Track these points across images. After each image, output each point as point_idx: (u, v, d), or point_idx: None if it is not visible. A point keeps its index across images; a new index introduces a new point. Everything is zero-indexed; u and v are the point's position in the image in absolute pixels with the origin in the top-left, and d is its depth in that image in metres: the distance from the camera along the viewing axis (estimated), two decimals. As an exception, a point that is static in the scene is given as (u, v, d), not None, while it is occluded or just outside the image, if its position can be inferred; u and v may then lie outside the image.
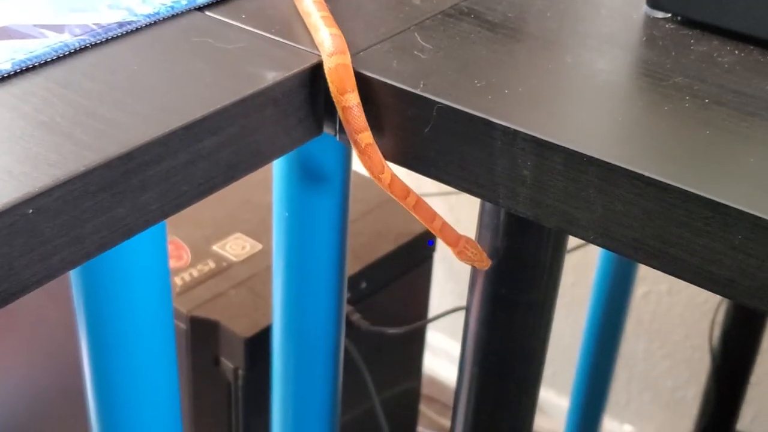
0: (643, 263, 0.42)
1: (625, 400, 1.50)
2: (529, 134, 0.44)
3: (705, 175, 0.41)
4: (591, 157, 0.42)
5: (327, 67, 0.48)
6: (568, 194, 0.44)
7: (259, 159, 0.49)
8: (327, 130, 0.52)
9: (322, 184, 0.64)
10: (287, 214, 0.66)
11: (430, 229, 0.55)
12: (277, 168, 0.65)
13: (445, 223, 0.54)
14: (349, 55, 0.48)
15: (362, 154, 0.49)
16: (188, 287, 0.88)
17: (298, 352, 0.74)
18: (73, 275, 0.52)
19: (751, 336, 1.16)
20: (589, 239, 0.44)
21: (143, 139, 0.42)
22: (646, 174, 0.41)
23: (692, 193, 0.40)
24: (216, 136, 0.45)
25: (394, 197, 0.53)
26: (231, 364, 0.86)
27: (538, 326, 0.59)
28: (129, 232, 0.43)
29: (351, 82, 0.48)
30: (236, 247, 0.95)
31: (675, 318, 1.37)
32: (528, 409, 0.62)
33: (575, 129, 0.45)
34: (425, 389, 1.60)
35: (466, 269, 0.60)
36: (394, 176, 0.52)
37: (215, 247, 0.95)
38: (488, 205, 0.57)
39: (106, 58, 0.48)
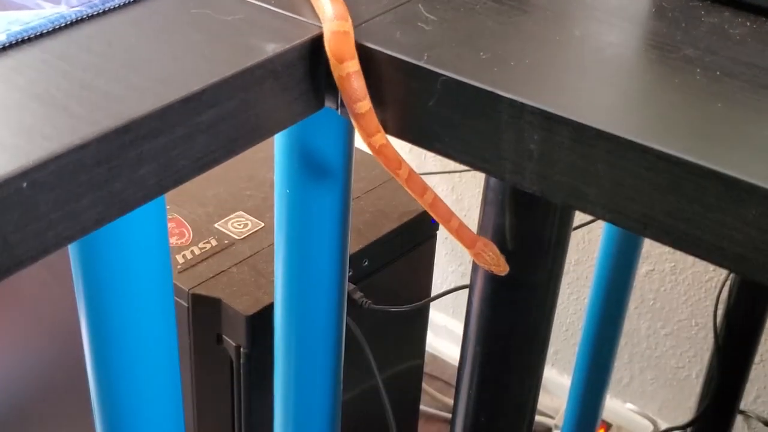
0: (653, 239, 0.41)
1: (628, 379, 1.49)
2: (537, 107, 0.43)
3: (717, 149, 0.40)
4: (599, 131, 0.41)
5: (326, 34, 0.47)
6: (576, 169, 0.43)
7: (259, 133, 0.48)
8: (328, 104, 0.50)
9: (324, 161, 0.63)
10: (288, 191, 0.65)
11: (446, 229, 0.53)
12: (278, 143, 0.63)
13: (461, 224, 0.53)
14: (350, 22, 0.47)
15: (362, 130, 0.48)
16: (190, 265, 0.88)
17: (300, 330, 0.73)
18: (72, 250, 0.51)
19: (756, 315, 1.15)
20: (598, 215, 0.43)
21: (140, 111, 0.41)
22: (656, 147, 0.40)
23: (704, 167, 0.39)
24: (215, 110, 0.44)
25: (411, 192, 0.52)
26: (233, 341, 0.86)
27: (543, 306, 0.58)
28: (126, 207, 0.42)
29: (351, 49, 0.47)
30: (238, 225, 0.94)
31: (679, 296, 1.37)
32: (531, 389, 0.62)
33: (583, 102, 0.44)
34: (428, 367, 1.60)
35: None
36: (411, 171, 0.51)
37: (217, 225, 0.94)
38: (493, 181, 0.56)
39: (103, 30, 0.47)
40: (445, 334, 1.63)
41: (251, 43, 0.46)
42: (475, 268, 0.60)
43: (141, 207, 0.43)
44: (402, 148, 0.50)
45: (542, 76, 0.46)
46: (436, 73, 0.46)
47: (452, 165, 1.58)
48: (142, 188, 0.42)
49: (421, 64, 0.46)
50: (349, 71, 0.47)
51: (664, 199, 0.40)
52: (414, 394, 1.16)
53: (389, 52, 0.47)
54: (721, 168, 0.38)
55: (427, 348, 1.59)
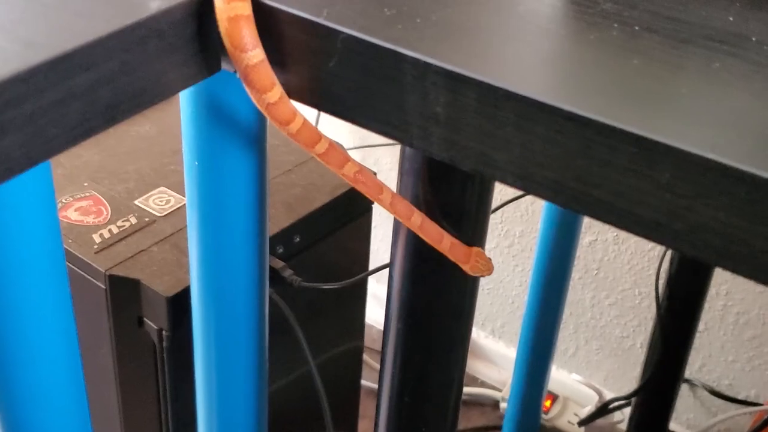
0: (563, 207, 0.38)
1: (573, 350, 1.48)
2: (441, 67, 0.40)
3: (631, 108, 0.37)
4: (507, 91, 0.38)
5: (220, 18, 0.43)
6: (484, 133, 0.40)
7: (144, 99, 0.44)
8: (226, 66, 0.47)
9: (234, 127, 0.59)
10: (197, 163, 0.61)
11: (439, 250, 0.52)
12: (183, 110, 0.59)
13: (454, 242, 0.52)
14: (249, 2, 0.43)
15: (355, 183, 0.49)
16: (107, 244, 0.83)
17: (219, 312, 0.69)
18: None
19: (698, 283, 1.14)
20: (508, 182, 0.40)
21: (1, 75, 0.37)
22: (565, 108, 0.37)
23: (615, 127, 0.36)
24: (90, 73, 0.40)
25: (396, 216, 0.52)
26: (155, 324, 0.82)
27: (465, 279, 0.55)
28: (-14, 182, 0.38)
29: (253, 37, 0.43)
30: (160, 201, 0.90)
31: (622, 266, 1.35)
32: (458, 364, 0.59)
33: (492, 61, 0.41)
34: (374, 343, 1.57)
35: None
36: (395, 195, 0.50)
37: (137, 202, 0.89)
38: (408, 149, 0.52)
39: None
40: (391, 309, 1.61)
41: None
42: (394, 243, 0.57)
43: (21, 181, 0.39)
44: (304, 111, 0.47)
45: (449, 33, 0.42)
46: (337, 31, 0.42)
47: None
48: (6, 161, 0.38)
49: (321, 20, 0.42)
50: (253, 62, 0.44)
51: (575, 163, 0.37)
52: (354, 373, 1.13)
53: (286, 9, 0.43)
54: (633, 128, 0.35)
55: (372, 322, 1.56)
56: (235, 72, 0.46)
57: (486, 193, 0.52)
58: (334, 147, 0.49)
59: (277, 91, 0.45)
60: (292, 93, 0.45)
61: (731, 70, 0.40)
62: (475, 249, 0.53)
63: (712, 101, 0.38)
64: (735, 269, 0.35)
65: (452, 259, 0.52)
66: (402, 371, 0.59)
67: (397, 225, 0.56)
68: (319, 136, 0.47)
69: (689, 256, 0.35)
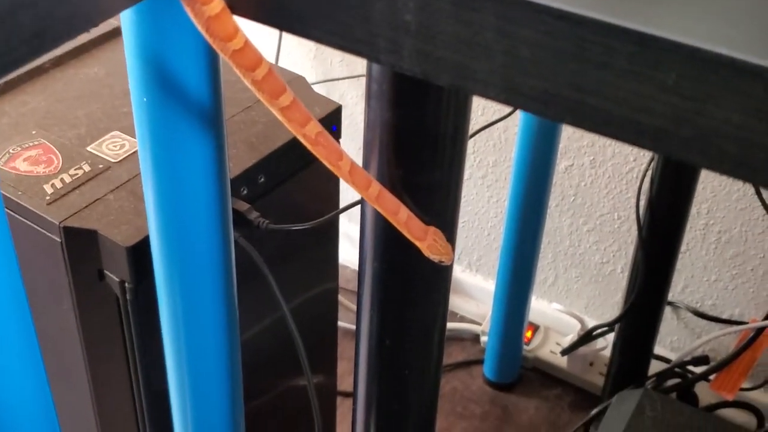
0: (555, 120, 0.34)
1: (552, 279, 1.46)
2: (409, -33, 0.35)
3: (630, 2, 0.32)
4: (485, -10, 0.33)
5: None
6: (461, 41, 0.35)
7: (75, 24, 0.38)
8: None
9: (183, 57, 0.53)
10: (145, 99, 0.56)
11: (394, 223, 0.49)
12: (126, 41, 0.54)
13: (411, 216, 0.48)
14: None
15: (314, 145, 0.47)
16: (60, 195, 0.78)
17: (182, 260, 0.65)
18: None
19: (679, 203, 1.11)
20: (491, 95, 0.36)
21: None
22: (554, 5, 0.32)
23: (612, 24, 0.31)
24: (5, -5, 0.35)
25: (353, 187, 0.48)
26: (116, 276, 0.77)
27: (444, 211, 0.51)
28: None
29: None
30: (114, 146, 0.84)
31: (600, 190, 1.32)
32: (439, 304, 0.55)
33: (466, -42, 0.36)
34: (349, 284, 1.54)
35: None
36: (353, 164, 0.46)
37: (90, 148, 0.84)
38: (375, 69, 0.48)
39: None
40: (365, 248, 1.57)
41: None
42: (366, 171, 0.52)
43: None
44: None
45: (416, -70, 0.37)
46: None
47: (360, 69, 1.49)
48: None
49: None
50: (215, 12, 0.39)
51: (567, 68, 0.33)
52: (330, 315, 1.09)
53: None
54: (633, 24, 0.31)
55: (345, 263, 1.53)
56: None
57: (463, 113, 0.48)
58: (299, 102, 0.45)
59: (241, 37, 0.41)
60: (243, 9, 0.40)
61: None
62: (433, 228, 0.50)
63: (718, -9, 0.33)
64: (754, 178, 0.31)
65: (408, 235, 0.49)
66: (381, 313, 0.55)
67: (367, 158, 0.52)
68: (284, 88, 0.44)
69: (700, 166, 0.31)
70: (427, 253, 0.49)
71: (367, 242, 0.53)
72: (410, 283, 0.54)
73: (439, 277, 0.54)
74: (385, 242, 0.53)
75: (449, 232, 0.53)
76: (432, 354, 0.57)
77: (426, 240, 0.49)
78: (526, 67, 0.34)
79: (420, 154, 0.48)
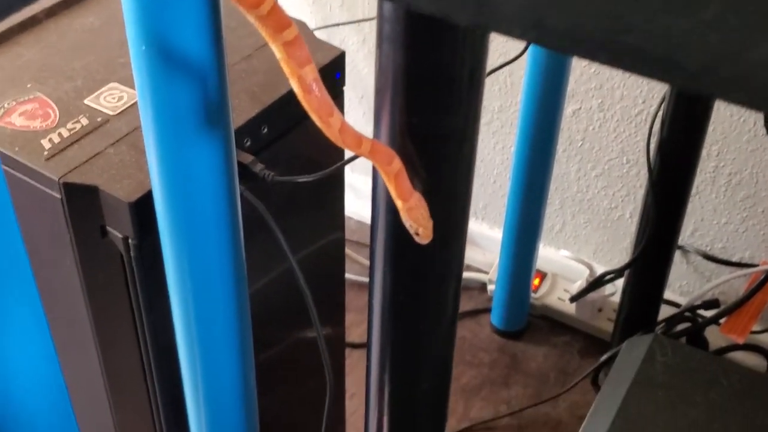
0: (587, 58, 0.32)
1: (560, 225, 1.44)
2: None
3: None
4: None
5: None
6: (483, -25, 0.33)
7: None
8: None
9: (183, 3, 0.51)
10: (144, 47, 0.53)
11: (383, 175, 0.47)
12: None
13: (402, 170, 0.46)
14: None
15: (307, 92, 0.44)
16: (58, 150, 0.76)
17: (187, 215, 0.63)
18: None
19: (690, 144, 1.09)
20: (515, 34, 0.33)
21: None
22: (587, -67, 0.29)
23: (651, -49, 0.29)
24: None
25: (343, 146, 0.47)
26: (119, 233, 0.75)
27: (460, 160, 0.49)
28: None
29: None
30: (112, 98, 0.82)
31: (608, 134, 1.30)
32: (456, 253, 0.53)
33: None
34: (354, 235, 1.52)
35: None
36: (344, 122, 0.45)
37: (87, 101, 0.81)
38: (387, 8, 0.45)
39: None
40: (369, 198, 1.55)
41: None
42: (377, 122, 0.50)
43: None
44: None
45: None
46: None
47: (361, 13, 1.45)
48: None
49: None
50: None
51: (600, 2, 0.30)
52: (337, 267, 1.08)
53: None
54: (675, -49, 0.28)
55: (351, 215, 1.51)
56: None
57: (481, 54, 0.45)
58: (302, 40, 0.43)
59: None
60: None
61: None
62: (420, 194, 0.48)
63: None
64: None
65: (394, 191, 0.46)
66: (395, 268, 0.53)
67: (379, 107, 0.49)
68: (290, 22, 0.42)
69: (744, 106, 0.29)
70: (405, 216, 0.47)
71: (379, 193, 0.51)
72: (425, 234, 0.52)
73: (456, 227, 0.52)
74: (399, 192, 0.51)
75: (465, 181, 0.51)
76: (447, 306, 0.55)
77: (409, 201, 0.46)
78: (554, 0, 0.31)
79: (436, 100, 0.46)
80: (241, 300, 0.71)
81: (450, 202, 0.51)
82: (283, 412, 1.02)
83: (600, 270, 1.34)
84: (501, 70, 1.24)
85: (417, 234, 0.47)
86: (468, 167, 0.50)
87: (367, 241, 1.65)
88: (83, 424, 0.68)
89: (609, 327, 1.34)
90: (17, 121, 0.79)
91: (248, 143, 0.82)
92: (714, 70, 0.30)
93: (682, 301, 1.32)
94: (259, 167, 0.81)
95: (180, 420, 0.82)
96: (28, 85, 0.83)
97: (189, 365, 0.73)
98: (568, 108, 1.29)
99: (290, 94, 0.88)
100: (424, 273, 0.52)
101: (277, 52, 0.43)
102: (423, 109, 0.46)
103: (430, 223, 0.47)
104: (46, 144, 0.77)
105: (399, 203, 0.46)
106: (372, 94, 0.48)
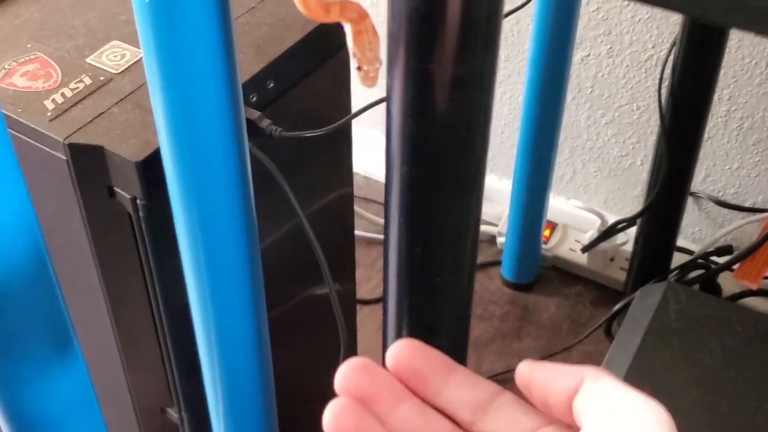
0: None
1: (570, 174, 1.42)
2: None
3: None
4: None
5: None
6: None
7: None
8: None
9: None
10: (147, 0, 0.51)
11: (354, 33, 0.43)
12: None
13: (373, 28, 0.41)
14: None
15: None
16: (62, 110, 0.75)
17: (196, 173, 0.62)
18: None
19: (702, 88, 1.07)
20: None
21: None
22: None
23: None
24: None
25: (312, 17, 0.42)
26: (126, 193, 0.74)
27: (477, 106, 0.47)
28: None
29: None
30: (114, 56, 0.80)
31: (618, 81, 1.27)
32: (472, 208, 0.52)
33: None
34: (362, 191, 1.51)
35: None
36: None
37: (90, 60, 0.80)
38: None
39: None
40: (377, 153, 1.53)
41: None
42: (391, 68, 0.49)
43: None
44: None
45: None
46: None
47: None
48: None
49: None
50: None
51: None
52: (347, 223, 1.07)
53: None
54: None
55: (359, 171, 1.50)
56: None
57: (497, -1, 0.44)
58: None
59: None
60: None
61: None
62: (373, 24, 0.42)
63: None
64: None
65: (339, 13, 0.42)
66: (410, 220, 0.52)
67: (393, 54, 0.48)
68: None
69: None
70: (352, 41, 0.42)
71: (394, 145, 0.50)
72: (442, 187, 0.50)
73: (473, 178, 0.51)
74: (414, 143, 0.49)
75: (482, 131, 0.49)
76: (465, 260, 0.54)
77: (359, 24, 0.41)
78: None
79: (450, 45, 0.44)
80: (253, 256, 0.70)
81: (467, 152, 0.49)
82: (295, 367, 1.02)
83: (611, 219, 1.33)
84: (507, 19, 1.22)
85: (359, 69, 0.43)
86: (486, 115, 0.49)
87: (375, 196, 1.64)
88: (97, 385, 0.67)
89: (621, 276, 1.33)
90: (19, 81, 0.77)
91: (254, 99, 0.81)
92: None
93: (695, 248, 1.31)
94: (266, 123, 0.79)
95: (193, 377, 0.82)
96: (29, 45, 0.81)
97: (202, 323, 0.73)
98: (577, 55, 1.26)
99: (295, 47, 0.86)
100: (442, 224, 0.51)
101: None
102: (438, 53, 0.44)
103: (377, 64, 0.43)
104: (49, 105, 0.75)
105: (349, 27, 0.42)
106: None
